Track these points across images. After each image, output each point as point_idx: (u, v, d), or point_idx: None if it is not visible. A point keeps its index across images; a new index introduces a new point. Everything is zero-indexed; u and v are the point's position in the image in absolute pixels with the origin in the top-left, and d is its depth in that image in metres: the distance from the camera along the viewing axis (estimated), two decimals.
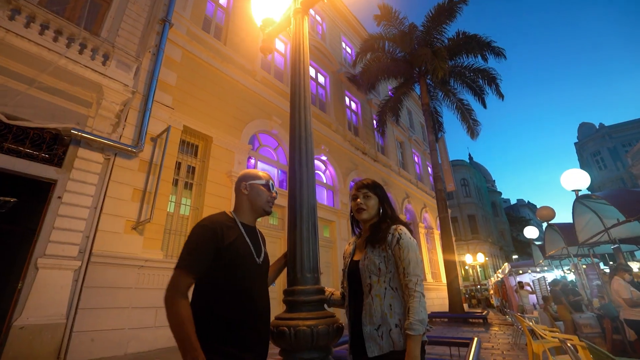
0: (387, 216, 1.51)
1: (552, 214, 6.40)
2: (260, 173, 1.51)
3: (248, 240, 1.38)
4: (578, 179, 4.57)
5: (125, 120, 5.59)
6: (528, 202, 56.17)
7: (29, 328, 3.90)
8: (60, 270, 4.33)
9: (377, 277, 1.36)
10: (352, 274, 1.46)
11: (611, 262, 8.73)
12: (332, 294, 1.62)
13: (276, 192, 1.50)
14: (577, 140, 34.93)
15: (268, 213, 1.48)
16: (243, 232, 1.39)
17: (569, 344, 2.15)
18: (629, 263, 7.37)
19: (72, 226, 4.60)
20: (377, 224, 1.49)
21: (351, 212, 1.57)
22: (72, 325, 4.23)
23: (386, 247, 1.37)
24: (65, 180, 4.71)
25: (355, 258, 1.50)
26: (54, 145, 4.80)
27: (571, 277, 10.02)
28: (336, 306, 1.62)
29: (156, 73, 6.07)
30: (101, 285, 4.63)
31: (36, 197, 4.79)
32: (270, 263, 1.57)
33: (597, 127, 33.11)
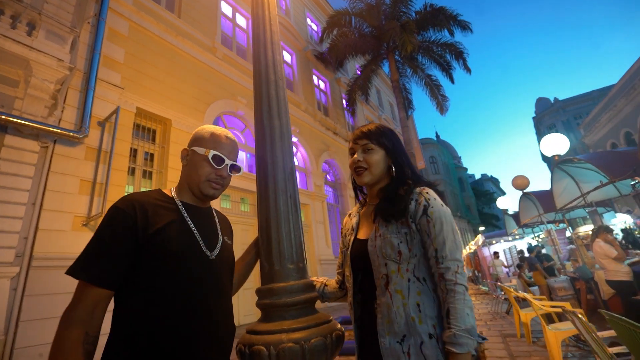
0: (404, 175, 1.05)
1: (527, 183, 6.48)
2: (210, 133, 1.04)
3: (191, 226, 0.95)
4: (557, 144, 4.53)
5: (64, 102, 4.84)
6: (491, 176, 58.83)
7: None
8: None
9: (396, 264, 0.93)
10: (358, 259, 1.04)
11: (564, 226, 9.13)
12: (325, 285, 1.21)
13: (230, 168, 1.03)
14: (534, 115, 36.67)
15: (208, 197, 1.02)
16: (184, 213, 0.96)
17: (579, 315, 1.99)
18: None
19: (4, 227, 3.92)
20: (392, 187, 1.04)
21: (351, 173, 1.13)
22: (14, 341, 3.64)
23: (408, 220, 0.95)
24: None
25: (361, 236, 1.07)
26: None
27: (535, 243, 10.48)
28: (333, 300, 1.22)
29: (98, 47, 5.29)
30: (47, 292, 4.03)
31: None
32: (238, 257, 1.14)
33: (552, 101, 34.86)
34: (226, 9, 9.42)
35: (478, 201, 43.83)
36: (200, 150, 1.01)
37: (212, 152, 0.99)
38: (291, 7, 12.77)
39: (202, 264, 0.92)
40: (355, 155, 1.09)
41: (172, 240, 0.88)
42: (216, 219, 1.07)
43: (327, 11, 14.71)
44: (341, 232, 1.20)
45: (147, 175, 6.06)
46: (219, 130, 1.06)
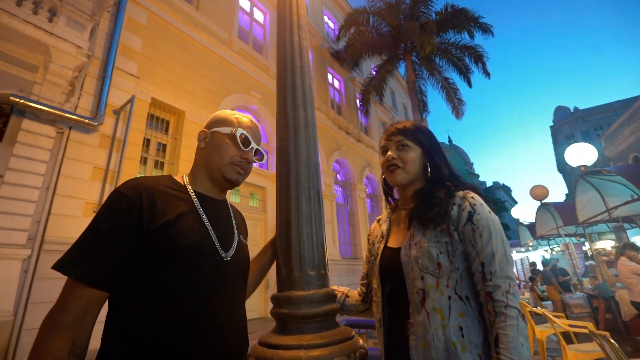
0: (442, 177, 0.95)
1: (546, 193, 6.22)
2: (234, 116, 0.94)
3: (205, 220, 0.82)
4: (584, 154, 4.28)
5: (81, 89, 4.86)
6: (503, 184, 57.69)
7: None
8: (4, 261, 3.72)
9: (435, 277, 0.81)
10: (388, 269, 0.92)
11: (584, 240, 8.83)
12: (346, 295, 1.10)
13: (255, 150, 0.94)
14: (552, 124, 35.83)
15: (230, 182, 0.91)
16: (197, 205, 0.84)
17: (610, 340, 1.87)
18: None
19: (18, 209, 3.96)
20: (429, 188, 0.93)
21: (383, 173, 1.02)
22: (22, 323, 3.66)
23: (449, 227, 0.84)
24: (7, 156, 4.02)
25: (392, 244, 0.96)
26: None
27: (547, 256, 10.18)
28: (354, 314, 1.11)
29: (116, 35, 5.31)
30: (57, 276, 3.96)
31: None
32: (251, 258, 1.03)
33: (572, 110, 33.97)
34: (244, 3, 9.40)
35: None
36: (225, 130, 0.90)
37: (240, 131, 0.90)
38: (309, 3, 12.69)
39: (215, 265, 0.80)
40: (389, 153, 0.98)
41: (183, 235, 0.76)
42: (232, 214, 0.97)
43: (345, 9, 14.58)
44: (368, 240, 1.09)
45: (158, 165, 6.07)
46: (241, 114, 0.98)
